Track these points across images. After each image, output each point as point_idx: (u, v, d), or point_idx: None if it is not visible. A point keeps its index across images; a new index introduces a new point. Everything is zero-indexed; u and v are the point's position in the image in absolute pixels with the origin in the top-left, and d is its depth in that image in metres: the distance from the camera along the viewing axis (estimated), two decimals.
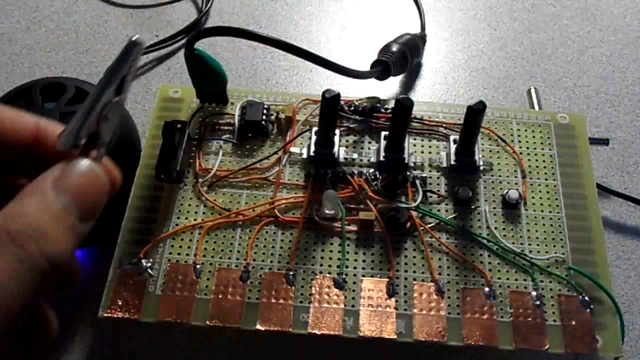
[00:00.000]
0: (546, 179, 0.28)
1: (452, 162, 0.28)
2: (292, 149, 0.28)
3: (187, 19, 0.40)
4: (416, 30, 0.38)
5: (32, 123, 0.16)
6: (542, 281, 0.25)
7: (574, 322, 0.24)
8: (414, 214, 0.26)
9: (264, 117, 0.29)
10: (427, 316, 0.24)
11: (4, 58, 0.37)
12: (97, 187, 0.15)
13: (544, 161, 0.29)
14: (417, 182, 0.27)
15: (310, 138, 0.28)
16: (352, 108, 0.29)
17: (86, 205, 0.14)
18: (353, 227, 0.26)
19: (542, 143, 0.29)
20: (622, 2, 0.42)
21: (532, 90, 0.34)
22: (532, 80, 0.37)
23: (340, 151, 0.28)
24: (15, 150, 0.16)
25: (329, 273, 0.25)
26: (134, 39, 0.16)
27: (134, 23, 0.40)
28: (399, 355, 0.26)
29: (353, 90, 0.36)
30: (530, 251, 0.26)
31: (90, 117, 0.15)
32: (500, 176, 0.28)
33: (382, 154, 0.28)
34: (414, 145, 0.29)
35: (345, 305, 0.24)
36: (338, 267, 0.25)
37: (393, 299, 0.24)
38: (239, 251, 0.26)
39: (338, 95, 0.25)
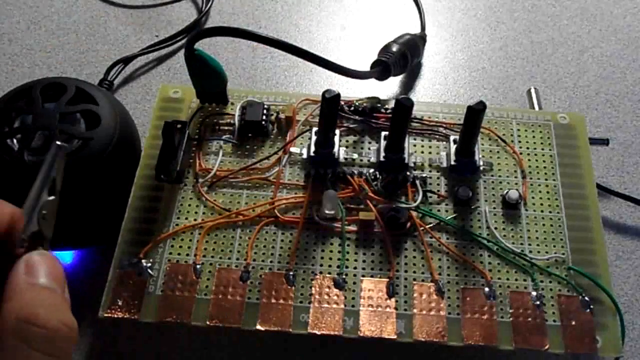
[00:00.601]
0: (546, 179, 0.28)
1: (452, 162, 0.28)
2: (292, 149, 0.28)
3: (187, 19, 0.40)
4: (416, 30, 0.38)
5: (8, 213, 0.18)
6: (542, 281, 0.25)
7: (574, 322, 0.24)
8: (414, 214, 0.26)
9: (264, 117, 0.29)
10: (427, 316, 0.24)
11: (4, 58, 0.37)
12: (56, 264, 0.17)
13: (544, 161, 0.29)
14: (417, 182, 0.27)
15: (310, 138, 0.28)
16: (352, 108, 0.29)
17: (59, 279, 0.17)
18: (353, 227, 0.26)
19: (542, 143, 0.29)
20: (622, 3, 0.42)
21: (532, 90, 0.34)
22: (532, 80, 0.37)
23: (341, 151, 0.28)
24: None
25: (329, 273, 0.25)
26: (58, 143, 0.19)
27: (134, 23, 0.40)
28: (399, 355, 0.26)
29: (353, 91, 0.36)
30: (530, 251, 0.26)
31: (32, 220, 0.18)
32: (500, 176, 0.28)
33: (382, 154, 0.28)
34: (414, 146, 0.29)
35: (345, 306, 0.24)
36: (338, 267, 0.25)
37: (393, 299, 0.24)
38: (239, 251, 0.26)
39: (338, 95, 0.25)
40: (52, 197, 0.19)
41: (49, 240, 0.18)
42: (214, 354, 0.26)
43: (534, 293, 0.25)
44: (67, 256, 0.29)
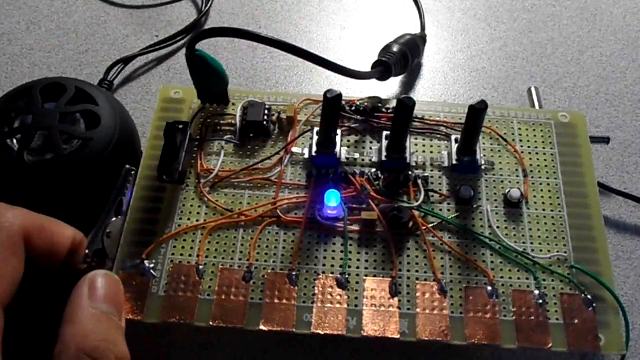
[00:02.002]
0: (548, 178, 0.28)
1: (454, 162, 0.28)
2: (294, 149, 0.28)
3: (187, 19, 0.40)
4: (416, 30, 0.38)
5: (69, 236, 0.19)
6: (544, 280, 0.25)
7: (577, 321, 0.24)
8: (416, 213, 0.26)
9: (266, 117, 0.29)
10: (430, 315, 0.24)
11: (4, 58, 0.37)
12: (118, 288, 0.18)
13: (545, 160, 0.29)
14: (419, 181, 0.27)
15: (312, 138, 0.28)
16: (353, 108, 0.29)
17: (119, 305, 0.18)
18: (355, 227, 0.26)
19: (543, 142, 0.29)
20: (622, 3, 0.42)
21: (533, 90, 0.34)
22: (532, 80, 0.37)
23: (342, 151, 0.28)
24: (57, 260, 0.19)
25: (332, 273, 0.25)
26: (127, 167, 0.21)
27: (134, 23, 0.39)
28: (403, 354, 0.26)
29: (353, 91, 0.36)
30: (533, 250, 0.26)
31: (97, 237, 0.19)
32: (502, 175, 0.28)
33: (384, 153, 0.28)
34: (416, 145, 0.29)
35: (348, 305, 0.24)
36: (341, 267, 0.25)
37: (396, 299, 0.24)
38: (241, 252, 0.26)
39: (340, 95, 0.25)
40: (118, 217, 0.20)
41: (114, 259, 0.20)
42: (217, 355, 0.26)
43: (537, 292, 0.25)
44: None
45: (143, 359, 0.26)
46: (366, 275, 0.25)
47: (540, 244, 0.26)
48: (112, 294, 0.18)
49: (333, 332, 0.24)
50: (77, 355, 0.15)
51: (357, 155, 0.28)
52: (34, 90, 0.27)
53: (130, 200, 0.21)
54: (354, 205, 0.27)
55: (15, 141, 0.26)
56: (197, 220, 0.26)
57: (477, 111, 0.25)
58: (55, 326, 0.16)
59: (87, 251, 0.19)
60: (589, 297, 0.25)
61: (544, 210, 0.27)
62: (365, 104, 0.30)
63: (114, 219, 0.20)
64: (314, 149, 0.28)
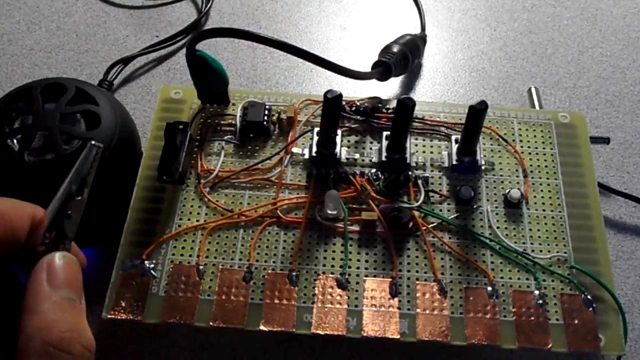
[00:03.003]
0: (548, 178, 0.28)
1: (454, 162, 0.28)
2: (294, 150, 0.28)
3: (187, 20, 0.40)
4: (416, 30, 0.38)
5: (29, 213, 0.18)
6: (544, 280, 0.25)
7: (576, 321, 0.24)
8: (416, 213, 0.26)
9: (266, 117, 0.29)
10: (430, 316, 0.24)
11: (4, 58, 0.37)
12: (77, 269, 0.18)
13: (545, 160, 0.29)
14: (419, 181, 0.27)
15: (312, 138, 0.28)
16: (353, 108, 0.29)
17: (79, 287, 0.17)
18: (355, 227, 0.26)
19: (543, 142, 0.29)
20: (622, 3, 0.42)
21: (533, 90, 0.34)
22: (532, 80, 0.37)
23: (342, 151, 0.28)
24: (19, 243, 0.18)
25: (332, 273, 0.25)
26: (94, 142, 0.19)
27: (134, 23, 0.39)
28: (402, 355, 0.26)
29: (353, 91, 0.36)
30: (533, 250, 0.26)
31: (56, 218, 0.18)
32: (502, 175, 0.28)
33: (384, 154, 0.28)
34: (416, 145, 0.29)
35: (348, 306, 0.24)
36: (341, 267, 0.25)
37: (396, 299, 0.24)
38: (241, 252, 0.26)
39: (340, 95, 0.25)
40: (79, 197, 0.19)
41: (72, 239, 0.18)
42: (217, 355, 0.26)
43: (537, 292, 0.25)
44: None
45: (143, 359, 0.26)
46: (366, 276, 0.25)
47: (540, 244, 0.26)
48: (72, 277, 0.17)
49: (333, 332, 0.24)
50: (43, 348, 0.15)
51: (357, 156, 0.28)
52: (34, 91, 0.27)
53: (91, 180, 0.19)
54: (354, 206, 0.27)
55: (15, 141, 0.26)
56: (197, 221, 0.26)
57: (477, 111, 0.25)
58: (14, 314, 0.16)
59: (45, 233, 0.18)
60: (589, 297, 0.25)
61: (544, 210, 0.27)
62: (365, 104, 0.30)
63: (77, 198, 0.19)
64: (314, 149, 0.28)
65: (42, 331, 0.15)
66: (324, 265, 0.25)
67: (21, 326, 0.15)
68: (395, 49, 0.33)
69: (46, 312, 0.16)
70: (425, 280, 0.25)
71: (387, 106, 0.30)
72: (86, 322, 0.17)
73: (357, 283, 0.25)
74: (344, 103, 0.29)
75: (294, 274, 0.25)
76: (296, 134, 0.29)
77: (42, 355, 0.15)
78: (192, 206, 0.27)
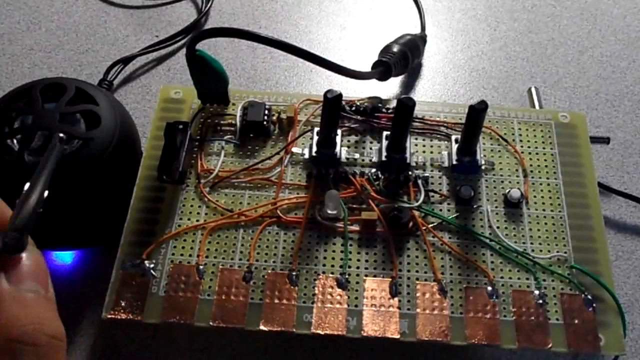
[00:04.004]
0: (548, 178, 0.28)
1: (454, 162, 0.28)
2: (294, 149, 0.28)
3: (187, 19, 0.40)
4: (416, 30, 0.38)
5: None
6: (544, 280, 0.25)
7: (576, 321, 0.24)
8: (416, 213, 0.26)
9: (266, 117, 0.29)
10: (430, 316, 0.24)
11: (4, 58, 0.37)
12: (39, 260, 0.17)
13: (545, 160, 0.29)
14: (419, 181, 0.27)
15: (312, 138, 0.28)
16: (353, 108, 0.29)
17: (44, 277, 0.17)
18: (355, 227, 0.26)
19: (543, 142, 0.29)
20: (622, 3, 0.42)
21: (533, 90, 0.34)
22: (532, 80, 0.37)
23: (342, 151, 0.28)
24: None
25: (332, 273, 0.25)
26: (58, 144, 0.19)
27: (134, 23, 0.39)
28: (402, 355, 0.26)
29: (353, 91, 0.36)
30: (533, 250, 0.26)
31: (23, 216, 0.17)
32: (502, 175, 0.28)
33: (384, 153, 0.28)
34: (416, 145, 0.29)
35: (348, 305, 0.24)
36: (341, 267, 0.25)
37: (396, 299, 0.24)
38: (241, 252, 0.26)
39: (340, 95, 0.25)
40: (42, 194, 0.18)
41: (28, 234, 0.18)
42: (217, 355, 0.26)
43: (537, 292, 0.25)
44: (67, 256, 0.29)
45: (143, 359, 0.26)
46: (366, 276, 0.25)
47: (540, 244, 0.26)
48: (34, 269, 0.17)
49: (333, 332, 0.24)
50: (5, 345, 0.15)
51: (357, 155, 0.28)
52: (34, 91, 0.27)
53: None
54: (354, 206, 0.27)
55: (15, 141, 0.26)
56: (197, 220, 0.26)
57: (477, 111, 0.25)
58: None
59: (10, 232, 0.17)
60: (589, 297, 0.25)
61: (544, 210, 0.27)
62: (366, 104, 0.30)
63: (46, 193, 0.18)
64: (314, 149, 0.28)
65: (3, 329, 0.15)
66: (324, 265, 0.25)
67: None
68: (395, 48, 0.33)
69: (7, 309, 0.16)
70: (425, 280, 0.25)
71: (387, 106, 0.30)
72: (55, 311, 0.16)
73: (357, 283, 0.25)
74: (344, 103, 0.29)
75: (294, 273, 0.25)
76: (296, 133, 0.29)
77: (5, 352, 0.15)
78: (192, 206, 0.27)
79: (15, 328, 0.15)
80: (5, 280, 0.16)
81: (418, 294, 0.25)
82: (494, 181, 0.28)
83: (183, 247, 0.26)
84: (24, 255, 0.17)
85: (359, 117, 0.29)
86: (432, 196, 0.27)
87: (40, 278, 0.17)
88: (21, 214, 0.17)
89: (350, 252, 0.26)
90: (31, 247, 0.17)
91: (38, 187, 0.18)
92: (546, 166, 0.28)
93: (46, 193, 0.19)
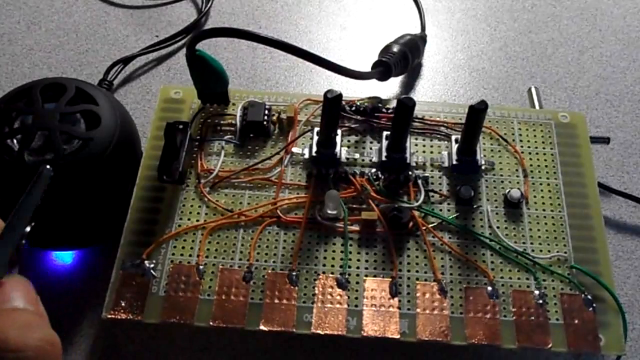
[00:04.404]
0: (548, 178, 0.28)
1: (454, 162, 0.28)
2: (294, 149, 0.28)
3: (187, 19, 0.40)
4: (416, 30, 0.38)
5: None
6: (544, 280, 0.25)
7: (577, 321, 0.24)
8: (416, 213, 0.26)
9: (266, 117, 0.29)
10: (430, 316, 0.24)
11: (4, 58, 0.37)
12: (26, 285, 0.17)
13: (545, 160, 0.29)
14: (419, 181, 0.27)
15: (312, 138, 0.28)
16: (353, 108, 0.29)
17: (32, 298, 0.17)
18: (355, 227, 0.26)
19: (543, 142, 0.29)
20: (622, 3, 0.42)
21: (533, 90, 0.34)
22: (532, 80, 0.37)
23: (342, 151, 0.28)
24: None
25: (332, 273, 0.25)
26: (43, 170, 0.17)
27: (134, 23, 0.39)
28: (402, 355, 0.26)
29: (353, 91, 0.36)
30: (533, 250, 0.26)
31: (8, 249, 0.16)
32: (502, 175, 0.28)
33: (384, 153, 0.28)
34: (416, 145, 0.29)
35: (348, 305, 0.24)
36: (341, 267, 0.25)
37: (396, 299, 0.24)
38: (241, 252, 0.26)
39: (340, 95, 0.25)
40: (29, 228, 0.17)
41: (16, 263, 0.17)
42: (217, 355, 0.26)
43: (537, 292, 0.25)
44: (67, 256, 0.29)
45: (143, 359, 0.26)
46: (366, 276, 0.25)
47: (540, 244, 0.26)
48: (22, 291, 0.16)
49: (333, 332, 0.24)
50: None
51: (357, 156, 0.28)
52: (34, 90, 0.27)
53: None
54: (354, 205, 0.27)
55: (15, 141, 0.26)
56: (197, 220, 0.26)
57: (477, 111, 0.25)
58: None
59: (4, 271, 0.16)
60: (589, 297, 0.25)
61: (544, 210, 0.27)
62: (366, 104, 0.30)
63: (27, 229, 0.17)
64: (314, 149, 0.28)
65: None
66: (324, 265, 0.25)
67: None
68: (395, 49, 0.33)
69: None
70: (425, 280, 0.25)
71: (387, 106, 0.30)
72: (45, 321, 0.16)
73: (357, 283, 0.25)
74: (344, 103, 0.29)
75: (294, 273, 0.25)
76: (296, 133, 0.29)
77: None
78: (192, 206, 0.27)
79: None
80: None
81: (418, 294, 0.25)
82: (494, 181, 0.28)
83: (183, 247, 0.26)
84: (9, 281, 0.16)
85: (359, 117, 0.29)
86: (432, 196, 0.27)
87: (29, 299, 0.16)
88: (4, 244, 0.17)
89: (350, 252, 0.26)
90: (17, 276, 0.17)
91: (20, 221, 0.17)
92: (546, 166, 0.28)
93: (29, 228, 0.17)
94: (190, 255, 0.25)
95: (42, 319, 0.16)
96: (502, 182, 0.28)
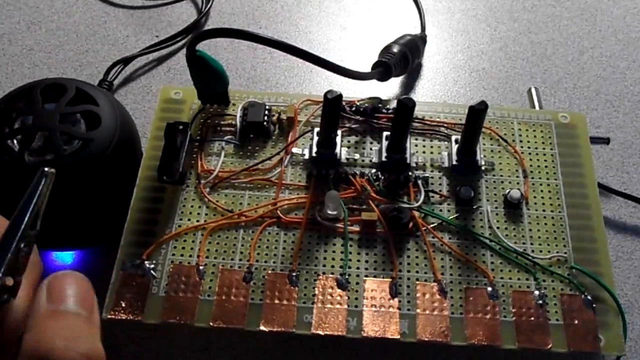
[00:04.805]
0: (548, 179, 0.28)
1: (454, 162, 0.28)
2: (294, 150, 0.28)
3: (187, 20, 0.40)
4: (416, 30, 0.38)
5: None
6: (544, 280, 0.25)
7: (576, 321, 0.24)
8: (416, 214, 0.26)
9: (266, 118, 0.29)
10: (430, 316, 0.24)
11: (4, 59, 0.37)
12: (83, 284, 0.16)
13: (545, 160, 0.29)
14: (419, 182, 0.27)
15: (312, 139, 0.28)
16: (353, 109, 0.29)
17: (87, 300, 0.16)
18: (355, 228, 0.26)
19: (543, 142, 0.29)
20: (622, 3, 0.42)
21: (533, 90, 0.34)
22: (532, 80, 0.37)
23: (342, 152, 0.28)
24: None
25: (332, 273, 0.25)
26: (45, 169, 0.16)
27: (134, 23, 0.39)
28: (402, 355, 0.26)
29: (353, 91, 0.36)
30: (533, 250, 0.26)
31: (8, 256, 0.15)
32: (502, 176, 0.28)
33: (384, 154, 0.28)
34: (416, 146, 0.29)
35: (348, 306, 0.24)
36: (341, 267, 0.25)
37: (396, 299, 0.24)
38: (241, 252, 0.26)
39: (340, 96, 0.25)
40: (33, 232, 0.16)
41: (23, 269, 0.16)
42: (217, 355, 0.26)
43: (537, 292, 0.25)
44: (67, 256, 0.29)
45: (143, 359, 0.26)
46: (366, 276, 0.25)
47: (540, 244, 0.26)
48: (77, 292, 0.16)
49: (333, 332, 0.24)
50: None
51: (357, 156, 0.28)
52: (34, 91, 0.27)
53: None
54: (354, 206, 0.27)
55: (15, 142, 0.26)
56: (198, 221, 0.26)
57: (477, 112, 0.25)
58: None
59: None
60: (589, 297, 0.25)
61: (544, 210, 0.27)
62: (366, 104, 0.30)
63: (31, 232, 0.16)
64: (314, 149, 0.28)
65: (33, 343, 0.14)
66: (324, 266, 0.25)
67: (19, 345, 0.14)
68: (395, 49, 0.33)
69: (40, 325, 0.15)
70: (425, 280, 0.25)
71: (387, 106, 0.30)
72: (96, 332, 0.16)
73: (357, 283, 0.25)
74: (344, 103, 0.29)
75: (294, 274, 0.25)
76: (296, 134, 0.29)
77: None
78: (192, 206, 0.27)
79: (45, 343, 0.14)
80: (46, 297, 0.15)
81: (418, 295, 0.25)
82: (494, 182, 0.28)
83: (183, 248, 0.26)
84: (65, 279, 0.16)
85: (359, 117, 0.29)
86: (432, 197, 0.27)
87: (84, 302, 0.16)
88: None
89: (351, 253, 0.26)
90: (74, 272, 0.16)
91: (16, 222, 0.16)
92: (546, 166, 0.28)
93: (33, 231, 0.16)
94: (190, 256, 0.25)
95: (94, 329, 0.16)
96: (502, 182, 0.28)
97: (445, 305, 0.24)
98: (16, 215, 0.16)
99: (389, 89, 0.36)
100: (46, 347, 0.14)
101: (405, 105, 0.25)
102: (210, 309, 0.24)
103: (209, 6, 0.40)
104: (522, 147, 0.29)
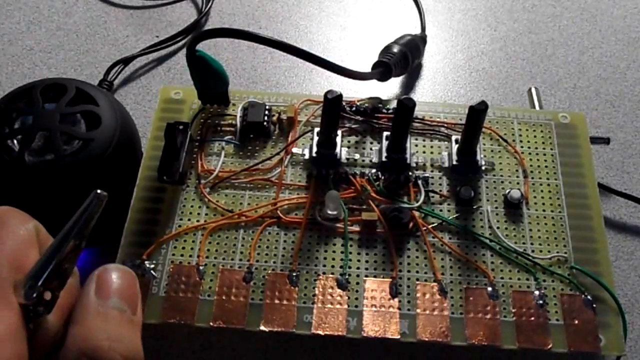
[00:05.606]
0: (548, 179, 0.28)
1: (454, 162, 0.28)
2: (294, 150, 0.28)
3: (187, 20, 0.40)
4: (416, 30, 0.38)
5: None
6: (544, 280, 0.25)
7: (577, 322, 0.24)
8: (417, 214, 0.26)
9: (266, 118, 0.29)
10: (431, 316, 0.24)
11: (4, 59, 0.37)
12: (131, 280, 0.17)
13: (545, 161, 0.29)
14: (419, 182, 0.27)
15: (312, 139, 0.28)
16: (353, 109, 0.29)
17: (132, 298, 0.16)
18: (356, 228, 0.26)
19: (543, 142, 0.29)
20: (622, 3, 0.42)
21: (533, 90, 0.34)
22: (532, 80, 0.37)
23: (343, 152, 0.28)
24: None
25: (332, 274, 0.25)
26: (98, 192, 0.16)
27: (134, 24, 0.39)
28: (402, 355, 0.26)
29: (353, 91, 0.36)
30: (533, 250, 0.26)
31: (49, 269, 0.15)
32: (502, 176, 0.28)
33: (384, 154, 0.28)
34: (416, 146, 0.29)
35: (348, 306, 0.24)
36: (341, 267, 0.25)
37: (396, 299, 0.24)
38: (242, 252, 0.26)
39: (340, 96, 0.25)
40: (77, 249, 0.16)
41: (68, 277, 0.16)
42: (217, 355, 0.26)
43: (537, 292, 0.25)
44: None
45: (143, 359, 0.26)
46: (366, 276, 0.25)
47: (540, 244, 0.26)
48: (124, 288, 0.16)
49: (333, 332, 0.24)
50: (77, 357, 0.14)
51: (357, 156, 0.28)
52: (34, 91, 0.27)
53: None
54: (354, 206, 0.27)
55: (15, 142, 0.26)
56: (198, 221, 0.26)
57: (477, 112, 0.25)
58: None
59: (36, 283, 0.15)
60: (589, 297, 0.25)
61: (544, 210, 0.27)
62: (366, 104, 0.30)
63: (76, 251, 0.16)
64: (314, 149, 0.28)
65: (79, 340, 0.15)
66: (324, 266, 0.25)
67: (65, 338, 0.15)
68: (395, 49, 0.33)
69: (88, 320, 0.15)
70: (426, 280, 0.25)
71: (387, 106, 0.30)
72: (137, 334, 0.16)
73: (357, 283, 0.25)
74: (344, 103, 0.29)
75: (294, 274, 0.25)
76: (296, 134, 0.29)
77: None
78: (192, 206, 0.27)
79: (90, 341, 0.15)
80: (94, 292, 0.16)
81: (418, 295, 0.25)
82: (494, 182, 0.28)
83: (183, 248, 0.26)
84: (115, 273, 0.16)
85: (359, 117, 0.29)
86: (432, 197, 0.27)
87: (129, 298, 0.16)
88: (37, 264, 0.15)
89: (351, 253, 0.26)
90: (124, 267, 0.17)
91: (63, 238, 0.16)
92: (546, 166, 0.28)
93: (77, 244, 0.16)
94: (190, 256, 0.25)
95: (136, 329, 0.16)
96: (502, 182, 0.28)
97: (445, 305, 0.24)
98: (64, 233, 0.16)
99: (389, 89, 0.36)
100: (92, 344, 0.14)
101: (406, 105, 0.25)
102: (211, 309, 0.24)
103: (209, 6, 0.40)
104: (522, 147, 0.29)
